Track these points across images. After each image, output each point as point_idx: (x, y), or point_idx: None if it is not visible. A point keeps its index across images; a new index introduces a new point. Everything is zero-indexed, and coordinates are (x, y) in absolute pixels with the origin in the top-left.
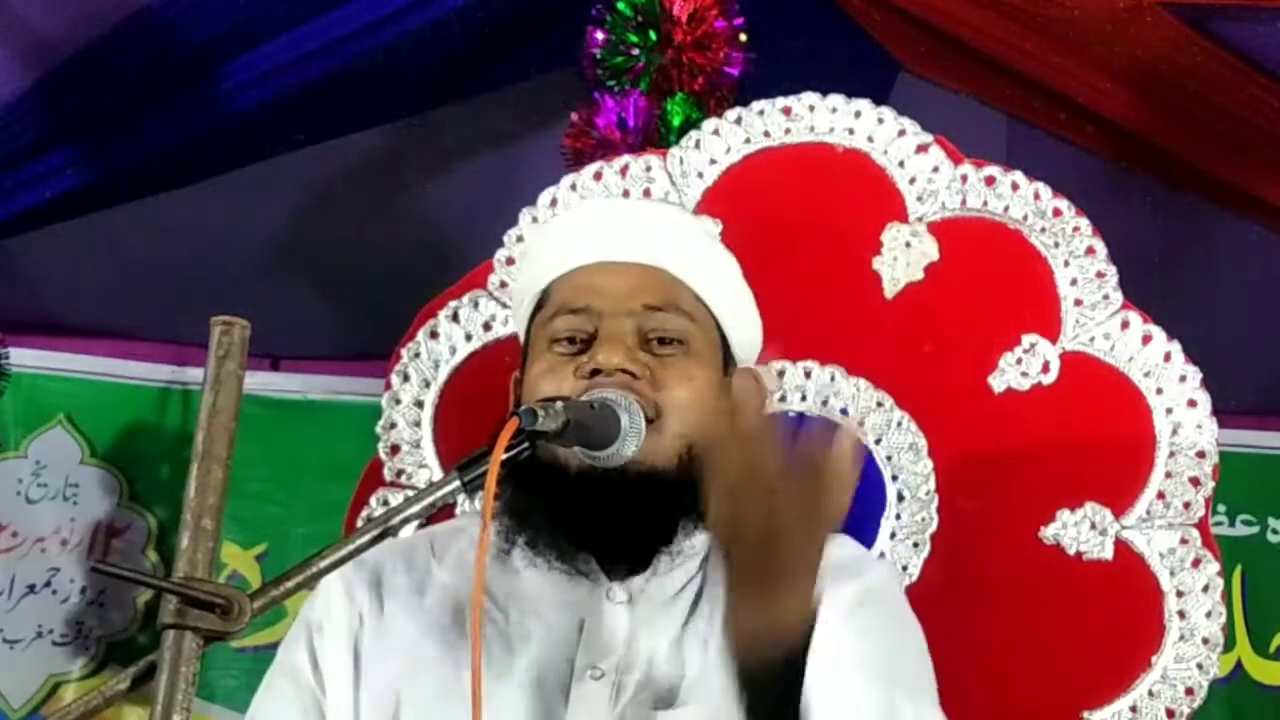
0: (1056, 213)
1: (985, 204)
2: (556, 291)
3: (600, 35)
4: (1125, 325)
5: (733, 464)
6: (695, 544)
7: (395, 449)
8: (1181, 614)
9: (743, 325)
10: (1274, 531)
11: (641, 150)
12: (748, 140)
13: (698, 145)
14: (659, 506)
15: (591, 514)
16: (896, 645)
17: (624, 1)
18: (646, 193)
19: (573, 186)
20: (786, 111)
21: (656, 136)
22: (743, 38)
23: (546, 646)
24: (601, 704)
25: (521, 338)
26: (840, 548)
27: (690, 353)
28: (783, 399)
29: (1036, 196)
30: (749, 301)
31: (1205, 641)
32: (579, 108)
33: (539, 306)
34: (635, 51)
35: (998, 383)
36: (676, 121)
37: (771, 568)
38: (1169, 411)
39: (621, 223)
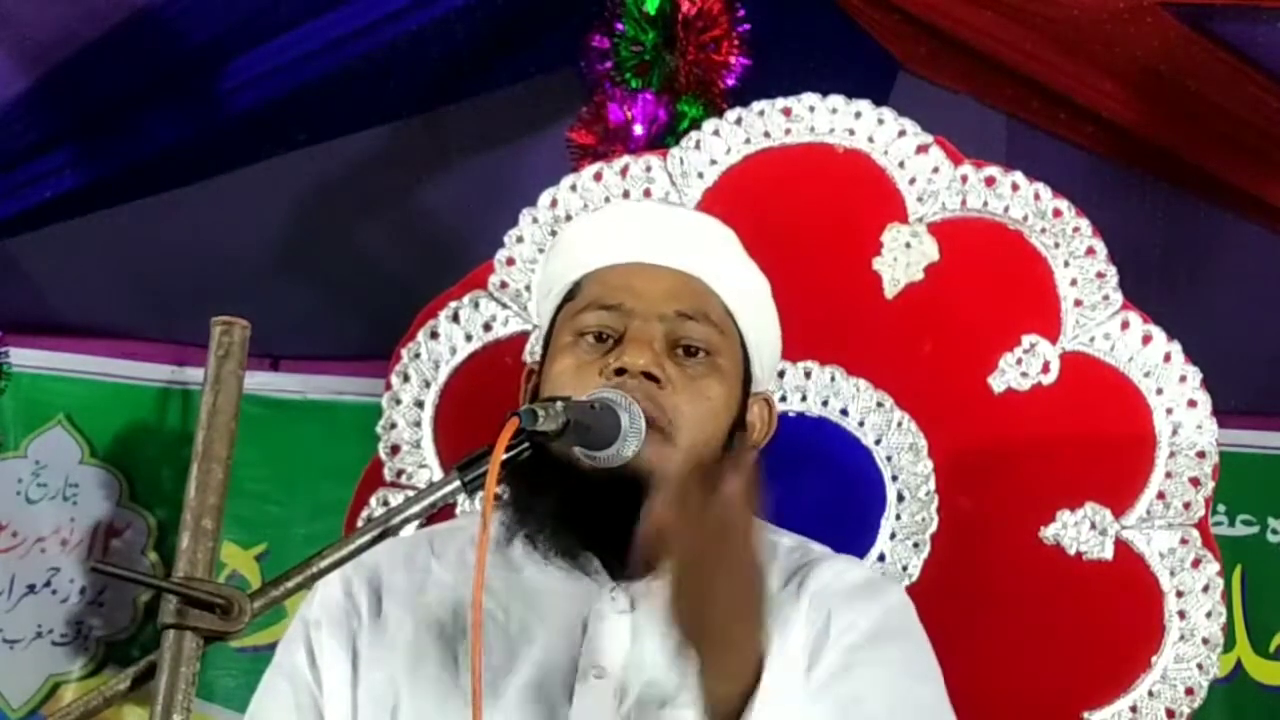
0: (1056, 213)
1: (985, 204)
2: (589, 285)
3: (607, 34)
4: (1125, 325)
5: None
6: None
7: (395, 449)
8: (1181, 614)
9: (765, 347)
10: (1274, 531)
11: (651, 148)
12: (748, 141)
13: (698, 146)
14: None
15: (598, 514)
16: (919, 677)
17: (632, 0)
18: (647, 193)
19: (573, 187)
20: (786, 112)
21: (664, 135)
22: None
23: (549, 646)
24: (606, 705)
25: (544, 326)
26: (850, 568)
27: (714, 366)
28: (783, 399)
29: (1036, 197)
30: (775, 326)
31: (1205, 641)
32: (586, 104)
33: (569, 298)
34: (641, 49)
35: (998, 383)
36: (690, 119)
37: (709, 642)
38: (1169, 412)
39: (662, 226)
